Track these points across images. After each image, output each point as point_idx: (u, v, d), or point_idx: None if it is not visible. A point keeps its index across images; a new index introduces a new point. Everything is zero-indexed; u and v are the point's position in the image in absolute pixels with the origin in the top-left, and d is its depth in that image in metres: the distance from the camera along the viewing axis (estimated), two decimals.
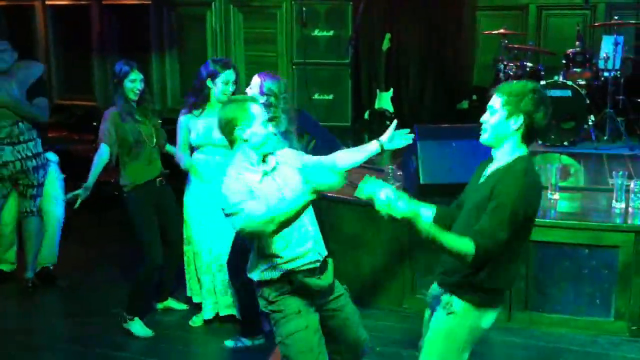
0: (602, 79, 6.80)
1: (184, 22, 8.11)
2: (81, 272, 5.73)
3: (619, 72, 6.71)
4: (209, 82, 4.43)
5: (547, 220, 4.55)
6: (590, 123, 6.63)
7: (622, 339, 4.46)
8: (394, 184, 5.26)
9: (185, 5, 8.09)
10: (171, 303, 4.97)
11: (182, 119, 4.51)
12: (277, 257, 3.08)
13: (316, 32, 7.47)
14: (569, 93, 6.54)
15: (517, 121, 2.79)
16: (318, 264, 3.17)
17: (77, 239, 6.13)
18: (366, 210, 5.00)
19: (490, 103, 2.87)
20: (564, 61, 6.98)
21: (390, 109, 7.29)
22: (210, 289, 4.60)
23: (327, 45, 7.47)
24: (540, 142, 6.43)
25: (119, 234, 5.87)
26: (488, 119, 2.86)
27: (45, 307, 5.17)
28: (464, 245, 2.66)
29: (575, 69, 6.83)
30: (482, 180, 2.91)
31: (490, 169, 2.90)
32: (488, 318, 2.91)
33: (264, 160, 3.15)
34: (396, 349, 4.36)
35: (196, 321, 4.73)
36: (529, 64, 7.18)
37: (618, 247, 4.45)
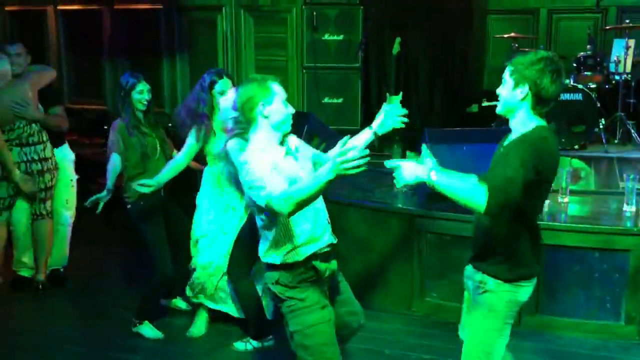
0: (613, 82, 6.78)
1: (195, 27, 8.14)
2: (91, 274, 5.76)
3: (630, 76, 6.68)
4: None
5: (558, 224, 4.54)
6: (601, 126, 6.61)
7: (633, 343, 4.43)
8: (400, 189, 5.27)
9: (195, 10, 8.12)
10: (179, 302, 4.97)
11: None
12: (302, 238, 3.09)
13: (326, 36, 7.48)
14: (579, 96, 6.52)
15: (523, 90, 2.84)
16: (330, 249, 3.21)
17: (86, 240, 6.14)
18: (375, 214, 5.02)
19: (503, 75, 2.95)
20: (574, 65, 6.96)
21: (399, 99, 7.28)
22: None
23: (337, 49, 7.48)
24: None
25: (127, 235, 5.88)
26: (501, 91, 2.93)
27: (55, 309, 5.17)
28: (478, 195, 2.70)
29: (586, 73, 6.82)
30: (500, 151, 2.97)
31: (508, 140, 2.96)
32: (524, 291, 2.98)
33: (282, 142, 3.18)
34: (404, 351, 4.35)
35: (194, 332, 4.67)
36: None
37: (629, 251, 4.42)
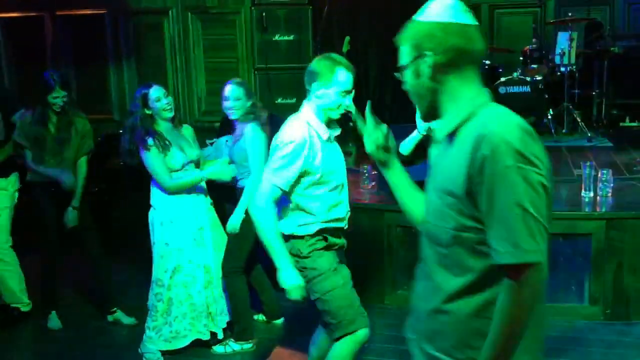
0: (559, 74, 7.02)
1: (141, 31, 8.03)
2: None
3: (574, 67, 6.94)
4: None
5: None
6: (549, 117, 6.84)
7: (598, 322, 4.62)
8: (369, 184, 5.35)
9: (141, 14, 7.99)
10: (120, 316, 4.93)
11: None
12: (333, 214, 3.33)
13: (277, 37, 7.49)
14: (527, 89, 6.74)
15: None
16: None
17: None
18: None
19: None
20: (521, 58, 7.18)
21: (353, 109, 7.36)
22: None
23: (288, 50, 7.50)
24: None
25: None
26: None
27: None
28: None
29: (532, 65, 7.04)
30: None
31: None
32: None
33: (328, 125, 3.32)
34: (381, 344, 4.42)
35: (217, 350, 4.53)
36: (487, 62, 7.36)
37: (591, 235, 4.61)
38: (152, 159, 4.20)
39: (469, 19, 1.88)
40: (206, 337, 4.44)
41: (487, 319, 1.79)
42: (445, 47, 1.85)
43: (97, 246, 4.91)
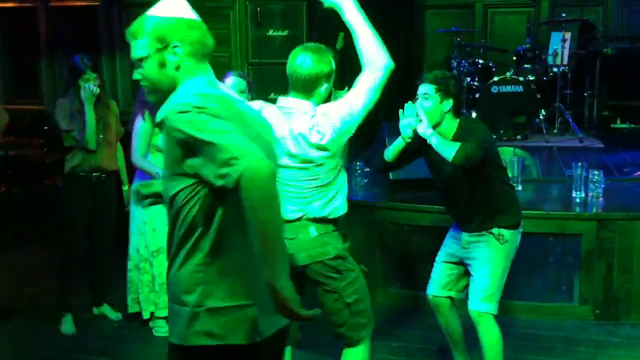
0: (551, 74, 7.06)
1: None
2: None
3: (567, 68, 6.97)
4: None
5: (533, 212, 4.68)
6: (541, 117, 6.87)
7: (587, 322, 4.64)
8: (361, 181, 5.37)
9: (135, 6, 7.95)
10: (106, 310, 4.87)
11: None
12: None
13: (271, 32, 7.49)
14: (520, 88, 6.77)
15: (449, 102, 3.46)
16: None
17: None
18: None
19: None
20: (514, 58, 7.21)
21: None
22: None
23: (282, 45, 7.49)
24: (494, 136, 6.62)
25: None
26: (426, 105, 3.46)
27: None
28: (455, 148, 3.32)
29: (525, 65, 7.07)
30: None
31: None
32: (519, 236, 3.67)
33: None
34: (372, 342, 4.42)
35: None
36: (481, 61, 7.38)
37: (581, 235, 4.64)
38: (141, 128, 4.34)
39: (198, 17, 2.17)
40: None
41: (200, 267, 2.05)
42: (190, 39, 2.11)
43: (110, 237, 4.80)
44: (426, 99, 3.45)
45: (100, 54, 8.08)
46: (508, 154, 6.11)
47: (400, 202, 4.89)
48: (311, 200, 3.11)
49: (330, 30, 7.73)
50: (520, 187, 5.03)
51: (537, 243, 4.67)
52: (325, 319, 3.21)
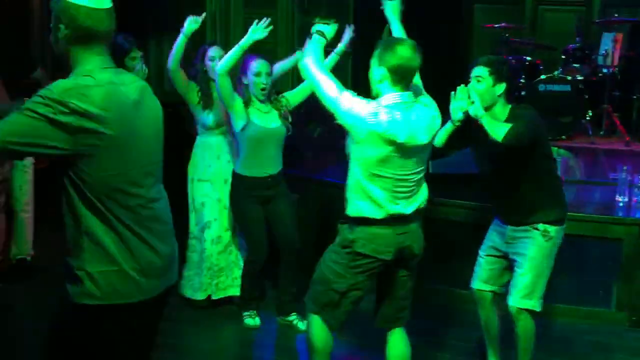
0: (600, 75, 6.91)
1: (182, 7, 8.05)
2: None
3: (617, 69, 6.82)
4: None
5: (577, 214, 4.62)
6: (587, 118, 6.75)
7: (623, 329, 4.57)
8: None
9: None
10: None
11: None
12: None
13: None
14: (568, 88, 6.65)
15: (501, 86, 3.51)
16: None
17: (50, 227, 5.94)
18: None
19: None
20: (563, 56, 7.08)
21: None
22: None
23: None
24: None
25: None
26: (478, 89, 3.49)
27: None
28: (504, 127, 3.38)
29: (574, 65, 6.94)
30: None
31: None
32: (562, 233, 3.69)
33: None
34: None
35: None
36: (528, 58, 7.27)
37: (622, 240, 4.56)
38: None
39: (101, 3, 2.25)
40: (217, 295, 4.67)
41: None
42: (74, 25, 2.22)
43: None
44: (479, 81, 3.49)
45: (147, 38, 8.16)
46: (552, 153, 6.03)
47: (437, 196, 4.84)
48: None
49: (375, 21, 7.73)
50: None
51: (577, 245, 4.59)
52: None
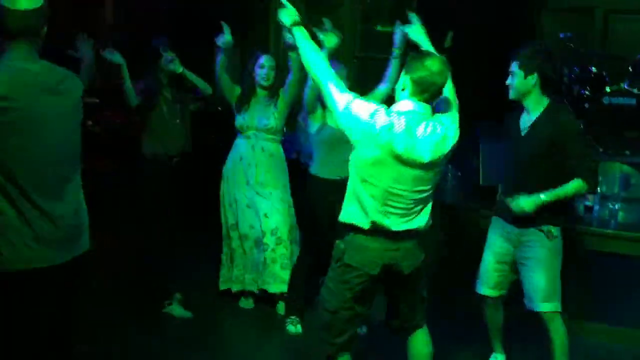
0: None
1: (248, 12, 8.17)
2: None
3: None
4: None
5: (608, 231, 4.53)
6: None
7: None
8: (449, 184, 5.28)
9: None
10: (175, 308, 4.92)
11: None
12: None
13: (379, 27, 7.47)
14: (633, 102, 6.42)
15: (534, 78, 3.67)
16: None
17: None
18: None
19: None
20: (630, 68, 6.83)
21: None
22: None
23: (390, 41, 7.44)
24: (601, 150, 6.34)
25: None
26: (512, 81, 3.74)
27: None
28: (578, 186, 3.61)
29: None
30: (524, 133, 3.78)
31: (527, 122, 3.77)
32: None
33: None
34: None
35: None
36: (594, 69, 7.05)
37: None
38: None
39: (19, 5, 2.61)
40: (252, 288, 4.84)
41: None
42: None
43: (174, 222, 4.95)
44: (511, 75, 3.72)
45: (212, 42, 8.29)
46: (614, 169, 5.84)
47: (483, 207, 4.78)
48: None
49: (437, 29, 7.65)
50: (617, 206, 4.81)
51: (631, 266, 4.46)
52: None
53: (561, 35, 7.26)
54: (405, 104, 3.10)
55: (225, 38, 4.70)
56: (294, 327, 4.60)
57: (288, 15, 3.26)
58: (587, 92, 6.82)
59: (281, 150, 4.92)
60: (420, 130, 3.06)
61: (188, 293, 4.95)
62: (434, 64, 3.07)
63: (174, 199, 4.82)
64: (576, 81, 6.89)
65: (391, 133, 3.01)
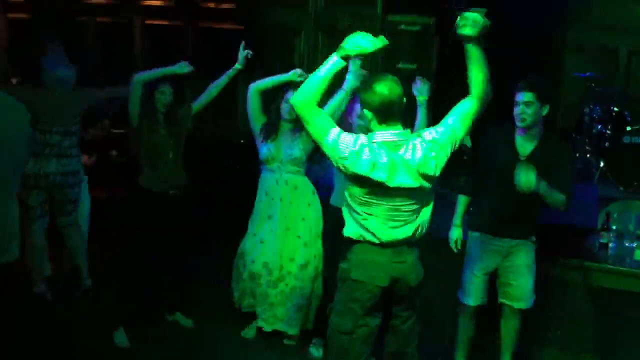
0: None
1: (273, 46, 8.31)
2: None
3: None
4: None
5: (623, 269, 4.48)
6: None
7: None
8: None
9: (276, 32, 8.30)
10: (179, 317, 5.06)
11: None
12: None
13: (400, 65, 7.53)
14: None
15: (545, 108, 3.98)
16: None
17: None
18: None
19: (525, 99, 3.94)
20: None
21: (469, 143, 7.27)
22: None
23: (410, 78, 7.50)
24: (621, 188, 6.32)
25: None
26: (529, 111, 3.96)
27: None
28: (562, 200, 3.93)
29: None
30: (524, 157, 4.03)
31: (528, 148, 4.06)
32: None
33: None
34: None
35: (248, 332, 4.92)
36: (616, 109, 7.06)
37: None
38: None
39: None
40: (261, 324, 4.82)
41: None
42: None
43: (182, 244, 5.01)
44: (528, 105, 3.93)
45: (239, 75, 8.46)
46: (636, 208, 5.79)
47: None
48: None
49: (459, 63, 7.71)
50: (635, 244, 4.77)
51: None
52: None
53: (582, 75, 7.28)
54: (381, 135, 3.17)
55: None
56: (316, 351, 4.62)
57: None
58: (608, 131, 6.83)
59: (308, 182, 4.88)
60: (403, 155, 3.14)
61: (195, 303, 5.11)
62: (382, 87, 3.17)
63: (176, 227, 4.88)
64: (597, 120, 6.90)
65: (375, 171, 3.11)
